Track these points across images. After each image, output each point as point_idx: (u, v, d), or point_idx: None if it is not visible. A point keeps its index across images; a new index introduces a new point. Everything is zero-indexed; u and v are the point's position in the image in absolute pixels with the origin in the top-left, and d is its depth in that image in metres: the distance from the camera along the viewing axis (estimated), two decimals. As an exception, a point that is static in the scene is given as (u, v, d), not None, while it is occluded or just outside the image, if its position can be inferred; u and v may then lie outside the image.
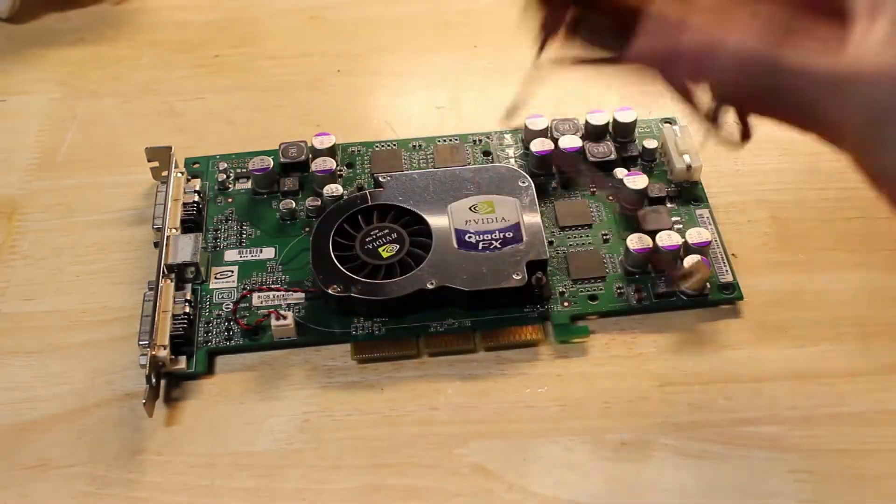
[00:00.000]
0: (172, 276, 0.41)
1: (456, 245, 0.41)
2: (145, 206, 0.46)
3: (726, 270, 0.42)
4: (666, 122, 0.48)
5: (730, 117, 0.28)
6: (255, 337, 0.40)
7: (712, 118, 0.28)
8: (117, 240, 0.45)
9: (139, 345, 0.38)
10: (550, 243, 0.43)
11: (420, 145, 0.48)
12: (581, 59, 0.29)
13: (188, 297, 0.40)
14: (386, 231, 0.42)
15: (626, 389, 0.38)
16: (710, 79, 0.25)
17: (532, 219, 0.42)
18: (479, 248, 0.41)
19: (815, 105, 0.24)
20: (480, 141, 0.48)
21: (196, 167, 0.47)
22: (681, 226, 0.43)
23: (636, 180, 0.44)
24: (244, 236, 0.44)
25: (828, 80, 0.23)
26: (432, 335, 0.40)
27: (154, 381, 0.38)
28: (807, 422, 0.37)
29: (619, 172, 0.45)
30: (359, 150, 0.48)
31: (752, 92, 0.25)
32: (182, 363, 0.39)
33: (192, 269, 0.41)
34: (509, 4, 0.31)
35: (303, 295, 0.41)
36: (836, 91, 0.23)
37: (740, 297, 0.41)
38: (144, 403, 0.37)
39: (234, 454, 0.37)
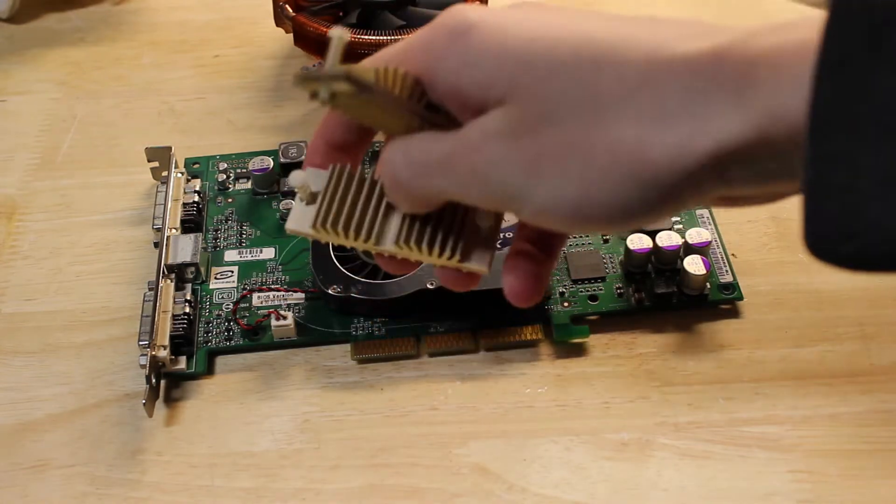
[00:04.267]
0: (172, 276, 0.41)
1: (456, 245, 0.41)
2: (145, 206, 0.46)
3: (726, 270, 0.42)
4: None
5: None
6: (255, 337, 0.40)
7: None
8: (117, 240, 0.45)
9: (139, 345, 0.38)
10: (550, 243, 0.43)
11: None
12: None
13: (188, 298, 0.40)
14: (386, 231, 0.42)
15: (626, 389, 0.38)
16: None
17: (532, 219, 0.42)
18: (479, 248, 0.41)
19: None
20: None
21: (196, 167, 0.47)
22: (681, 226, 0.43)
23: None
24: (244, 236, 0.44)
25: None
26: (432, 335, 0.40)
27: (154, 381, 0.38)
28: (807, 422, 0.37)
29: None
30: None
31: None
32: (182, 363, 0.39)
33: (192, 269, 0.41)
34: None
35: (303, 295, 0.41)
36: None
37: (740, 297, 0.41)
38: (144, 403, 0.37)
39: (234, 454, 0.37)
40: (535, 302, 0.30)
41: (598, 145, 0.23)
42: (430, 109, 0.27)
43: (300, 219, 0.29)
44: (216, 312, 0.41)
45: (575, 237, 0.43)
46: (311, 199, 0.29)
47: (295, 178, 0.29)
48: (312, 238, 0.30)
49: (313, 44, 0.49)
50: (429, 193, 0.27)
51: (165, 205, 0.43)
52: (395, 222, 0.29)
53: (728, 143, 0.22)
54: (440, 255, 0.29)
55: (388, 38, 0.48)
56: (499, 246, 0.30)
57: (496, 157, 0.25)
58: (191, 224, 0.44)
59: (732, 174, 0.23)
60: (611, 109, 0.23)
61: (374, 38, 0.48)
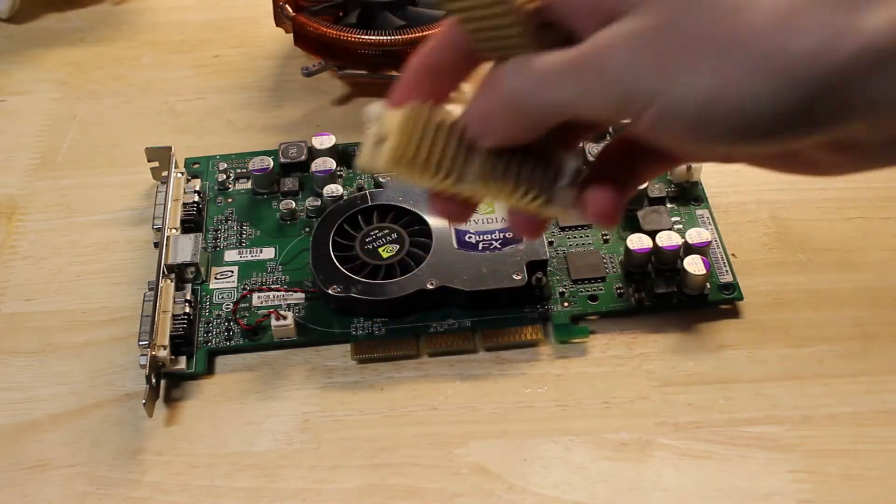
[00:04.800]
0: (172, 276, 0.41)
1: (456, 245, 0.41)
2: (145, 206, 0.46)
3: (726, 270, 0.42)
4: (666, 122, 0.48)
5: None
6: (255, 337, 0.40)
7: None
8: (117, 240, 0.45)
9: (139, 345, 0.38)
10: (550, 243, 0.43)
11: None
12: None
13: (188, 298, 0.40)
14: (386, 231, 0.42)
15: (626, 389, 0.38)
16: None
17: (532, 219, 0.42)
18: (479, 248, 0.41)
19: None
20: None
21: (196, 167, 0.47)
22: (681, 226, 0.43)
23: (636, 180, 0.44)
24: (244, 236, 0.44)
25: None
26: (432, 335, 0.40)
27: (154, 381, 0.38)
28: (807, 422, 0.37)
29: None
30: (359, 151, 0.48)
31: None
32: (182, 363, 0.39)
33: (192, 269, 0.41)
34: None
35: (303, 295, 0.41)
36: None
37: (740, 298, 0.41)
38: (144, 403, 0.37)
39: (234, 454, 0.37)
40: (615, 223, 0.30)
41: (736, 36, 0.22)
42: (544, 32, 0.26)
43: (373, 155, 0.27)
44: (216, 312, 0.41)
45: (577, 237, 0.43)
46: (383, 138, 0.27)
47: (371, 110, 0.27)
48: (384, 175, 0.28)
49: (313, 43, 0.49)
50: (542, 109, 0.26)
51: (165, 205, 0.43)
52: (476, 162, 0.28)
53: (879, 42, 0.21)
54: (524, 195, 0.28)
55: (389, 37, 0.48)
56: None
57: (627, 56, 0.24)
58: (191, 224, 0.44)
59: (877, 89, 0.22)
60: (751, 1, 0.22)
61: (374, 38, 0.48)
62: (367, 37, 0.48)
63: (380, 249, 0.41)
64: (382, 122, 0.28)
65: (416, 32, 0.48)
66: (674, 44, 0.23)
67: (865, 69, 0.21)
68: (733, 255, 0.43)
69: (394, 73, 0.50)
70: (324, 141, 0.46)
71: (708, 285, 0.41)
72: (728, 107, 0.23)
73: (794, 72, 0.22)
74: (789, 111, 0.22)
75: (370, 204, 0.43)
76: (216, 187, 0.46)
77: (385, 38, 0.48)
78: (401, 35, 0.48)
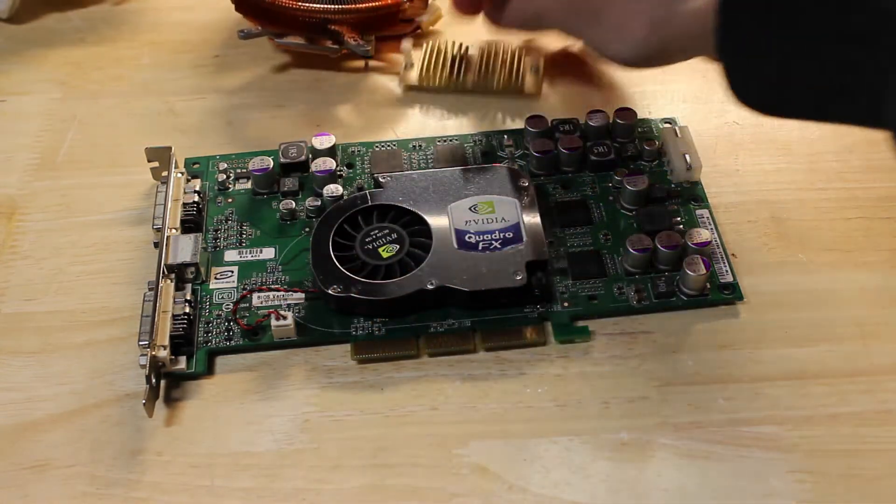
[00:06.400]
0: (172, 276, 0.41)
1: (456, 245, 0.41)
2: (145, 206, 0.46)
3: (726, 270, 0.42)
4: (666, 123, 0.48)
5: None
6: (255, 337, 0.40)
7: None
8: (117, 240, 0.45)
9: (139, 345, 0.38)
10: (550, 243, 0.43)
11: (420, 145, 0.48)
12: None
13: (188, 298, 0.40)
14: (386, 231, 0.42)
15: (626, 389, 0.38)
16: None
17: (532, 219, 0.42)
18: (479, 248, 0.41)
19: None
20: (481, 141, 0.48)
21: (196, 167, 0.47)
22: (681, 226, 0.43)
23: (636, 180, 0.44)
24: (244, 236, 0.44)
25: None
26: (432, 335, 0.40)
27: (154, 381, 0.38)
28: (807, 422, 0.37)
29: (619, 172, 0.45)
30: (359, 151, 0.48)
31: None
32: (182, 363, 0.39)
33: (192, 269, 0.41)
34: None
35: (303, 295, 0.41)
36: None
37: (740, 298, 0.41)
38: (144, 403, 0.37)
39: (234, 454, 0.37)
40: (466, 12, 0.49)
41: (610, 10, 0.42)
42: None
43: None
44: (216, 312, 0.41)
45: (577, 236, 0.43)
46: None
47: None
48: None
49: (255, 9, 0.50)
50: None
51: (165, 205, 0.43)
52: None
53: (690, 23, 0.39)
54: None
55: (329, 6, 0.49)
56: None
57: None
58: (191, 224, 0.44)
59: (692, 48, 0.41)
60: None
61: (315, 5, 0.49)
62: (307, 4, 0.48)
63: (380, 249, 0.41)
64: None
65: (357, 2, 0.49)
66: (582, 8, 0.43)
67: (685, 38, 0.40)
68: (733, 255, 0.43)
69: (330, 44, 0.50)
70: (324, 141, 0.46)
71: (708, 285, 0.41)
72: (610, 53, 0.44)
73: (640, 38, 0.41)
74: (641, 57, 0.42)
75: (370, 204, 0.43)
76: (216, 187, 0.46)
77: (325, 6, 0.49)
78: (340, 5, 0.49)
